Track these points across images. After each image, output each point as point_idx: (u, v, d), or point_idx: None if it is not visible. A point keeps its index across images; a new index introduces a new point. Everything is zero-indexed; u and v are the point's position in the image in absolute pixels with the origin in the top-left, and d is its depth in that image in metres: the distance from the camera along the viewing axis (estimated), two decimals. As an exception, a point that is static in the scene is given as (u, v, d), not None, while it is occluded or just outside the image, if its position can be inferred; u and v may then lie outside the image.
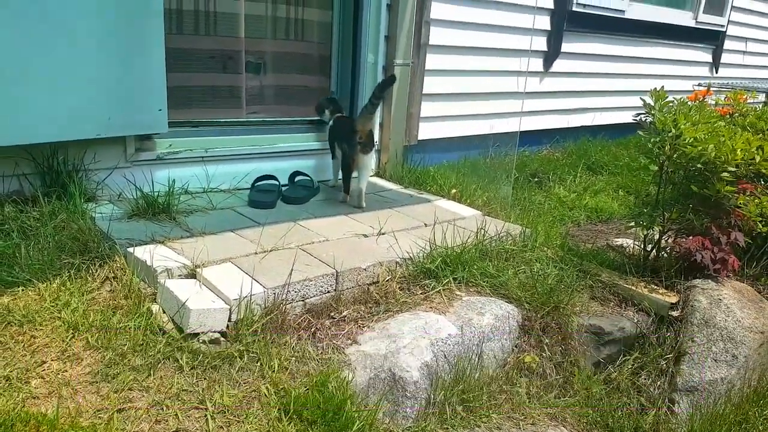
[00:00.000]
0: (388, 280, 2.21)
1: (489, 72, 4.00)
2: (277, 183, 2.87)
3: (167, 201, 2.38)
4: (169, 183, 2.53)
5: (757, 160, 2.47)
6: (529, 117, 4.42)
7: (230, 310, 1.78)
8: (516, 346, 2.22)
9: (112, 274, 1.97)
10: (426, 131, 3.73)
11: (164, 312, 1.83)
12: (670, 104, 2.56)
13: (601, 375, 2.32)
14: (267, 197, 2.71)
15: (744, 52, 6.44)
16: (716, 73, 6.09)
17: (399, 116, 3.46)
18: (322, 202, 2.89)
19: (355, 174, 2.82)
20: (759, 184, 2.64)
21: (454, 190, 3.20)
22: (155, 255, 1.98)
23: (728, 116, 3.45)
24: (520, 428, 1.90)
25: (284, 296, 1.89)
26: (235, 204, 2.66)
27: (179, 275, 1.94)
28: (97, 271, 1.97)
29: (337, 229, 2.48)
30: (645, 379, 2.33)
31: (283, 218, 2.53)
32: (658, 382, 2.33)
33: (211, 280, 1.88)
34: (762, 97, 6.16)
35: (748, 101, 3.79)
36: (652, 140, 2.53)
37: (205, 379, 1.64)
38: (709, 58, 5.98)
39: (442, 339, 1.92)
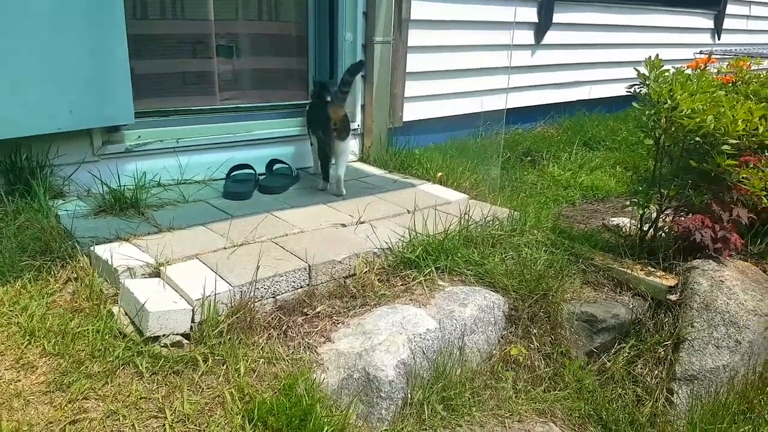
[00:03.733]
0: (365, 272, 2.10)
1: (477, 47, 3.84)
2: (253, 172, 2.76)
3: (135, 195, 2.28)
4: (137, 176, 2.43)
5: (761, 131, 2.32)
6: (521, 93, 4.26)
7: (193, 310, 1.68)
8: (502, 338, 2.12)
9: (75, 275, 1.88)
10: (411, 112, 3.59)
11: (126, 314, 1.73)
12: (666, 74, 2.41)
13: (594, 365, 2.22)
14: (242, 187, 2.60)
15: (747, 17, 6.20)
16: (718, 39, 5.87)
17: (381, 97, 3.32)
18: (302, 191, 2.78)
19: (333, 161, 2.71)
20: (763, 156, 2.49)
21: (439, 174, 3.07)
22: (118, 253, 1.88)
23: (731, 84, 3.29)
24: (505, 426, 1.81)
25: (252, 293, 1.79)
26: (208, 196, 2.55)
27: (142, 274, 1.84)
28: (59, 272, 1.88)
29: (314, 220, 2.37)
30: (641, 368, 2.23)
31: (257, 209, 2.42)
32: (656, 371, 2.23)
33: (174, 278, 1.78)
34: (767, 64, 5.95)
35: (752, 68, 3.62)
36: (647, 113, 2.39)
37: (165, 385, 1.55)
38: (710, 24, 5.76)
39: (420, 334, 1.82)
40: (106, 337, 1.63)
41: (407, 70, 3.47)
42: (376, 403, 1.66)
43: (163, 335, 1.63)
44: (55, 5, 2.09)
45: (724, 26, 5.84)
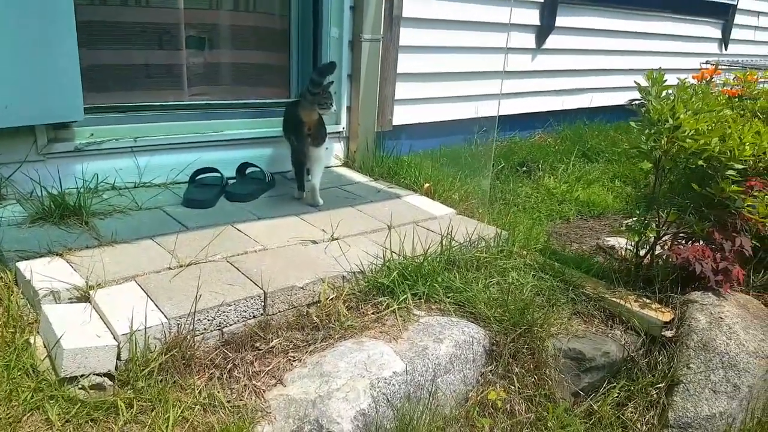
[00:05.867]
0: (332, 299, 1.88)
1: (474, 49, 3.61)
2: (220, 176, 2.52)
3: (78, 201, 2.04)
4: (84, 178, 2.20)
5: (769, 155, 2.12)
6: (519, 99, 4.04)
7: (119, 347, 1.45)
8: (481, 376, 1.90)
9: (-6, 296, 1.64)
10: (402, 115, 3.36)
11: (45, 346, 1.50)
12: (669, 89, 2.19)
13: (581, 407, 2.00)
14: (204, 194, 2.36)
15: (756, 27, 5.98)
16: (725, 50, 5.65)
17: (369, 99, 3.09)
18: (274, 199, 2.55)
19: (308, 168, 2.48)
20: (768, 180, 2.29)
21: (426, 185, 2.85)
22: (42, 273, 1.65)
23: (737, 98, 3.09)
24: (476, 485, 1.60)
25: (192, 326, 1.56)
26: (166, 202, 2.31)
27: (69, 299, 1.61)
28: (-25, 291, 1.65)
29: (282, 234, 2.14)
30: (632, 412, 2.01)
31: (218, 220, 2.19)
32: (647, 416, 2.02)
33: (103, 306, 1.55)
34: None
35: (760, 81, 3.42)
36: (646, 132, 2.17)
37: (79, 436, 1.33)
38: (718, 33, 5.54)
39: (386, 378, 1.60)
40: (17, 374, 1.41)
41: (398, 71, 3.24)
42: (328, 462, 1.45)
43: (82, 375, 1.40)
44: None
45: (732, 36, 5.63)
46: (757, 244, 2.26)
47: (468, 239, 2.27)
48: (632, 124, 2.20)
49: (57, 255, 1.77)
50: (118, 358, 1.46)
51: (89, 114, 2.22)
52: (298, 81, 3.00)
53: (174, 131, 2.51)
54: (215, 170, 2.52)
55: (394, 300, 1.94)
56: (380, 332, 1.83)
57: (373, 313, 1.91)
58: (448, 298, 2.02)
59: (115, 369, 1.45)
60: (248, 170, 2.69)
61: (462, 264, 2.18)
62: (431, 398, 1.69)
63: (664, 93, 2.18)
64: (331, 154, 3.07)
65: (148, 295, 1.62)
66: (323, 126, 2.45)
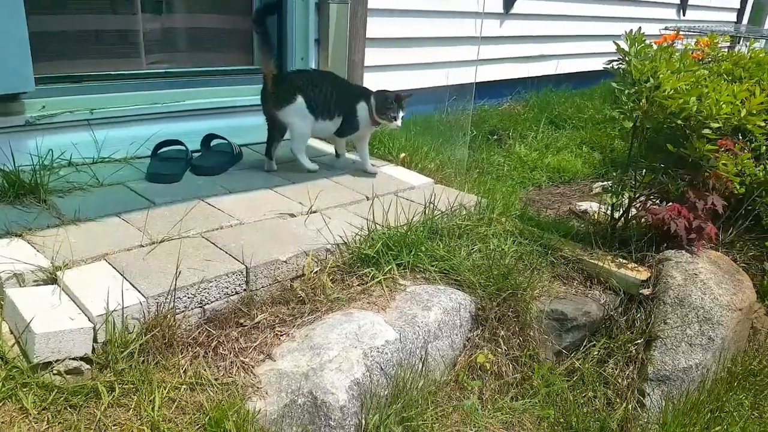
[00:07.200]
0: (316, 273, 1.82)
1: (443, 13, 3.53)
2: (185, 149, 2.38)
3: (34, 179, 1.89)
4: (40, 154, 2.03)
5: (743, 114, 2.15)
6: (488, 66, 4.00)
7: (95, 328, 1.36)
8: (468, 341, 1.89)
9: (-52, 281, 1.51)
10: (372, 83, 3.25)
11: (12, 333, 1.39)
12: (649, 49, 2.18)
13: (563, 366, 2.03)
14: (170, 168, 2.24)
15: (712, -7, 6.11)
16: (683, 15, 5.75)
17: (338, 65, 2.98)
18: (244, 172, 2.44)
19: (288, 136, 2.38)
20: (738, 140, 2.34)
21: (402, 155, 2.79)
22: (5, 253, 1.52)
23: (699, 62, 3.15)
24: (470, 447, 1.60)
25: (172, 305, 1.48)
26: (129, 177, 2.17)
27: (35, 281, 1.49)
28: (-71, 277, 1.51)
29: (257, 208, 2.05)
30: (612, 368, 2.06)
31: (187, 195, 2.07)
32: (627, 372, 2.07)
33: (73, 287, 1.44)
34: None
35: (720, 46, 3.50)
36: (626, 92, 2.17)
37: (58, 424, 1.24)
38: (676, -1, 5.63)
39: (378, 347, 1.56)
40: (-17, 363, 1.30)
41: (367, 36, 3.13)
42: (324, 434, 1.41)
43: (56, 360, 1.30)
44: None
45: (690, 2, 5.73)
46: (725, 203, 2.32)
47: (450, 208, 2.24)
48: (614, 84, 2.18)
49: (16, 236, 1.64)
50: (95, 340, 1.36)
51: (40, 85, 2.05)
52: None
53: (132, 102, 2.36)
54: (179, 143, 2.39)
55: (379, 271, 1.90)
56: (368, 303, 1.79)
57: (359, 285, 1.86)
58: (433, 266, 1.99)
59: (92, 352, 1.36)
60: (213, 142, 2.56)
61: (444, 233, 2.15)
62: (422, 365, 1.67)
63: (643, 54, 2.18)
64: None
65: (121, 274, 1.52)
66: (285, 85, 2.28)
